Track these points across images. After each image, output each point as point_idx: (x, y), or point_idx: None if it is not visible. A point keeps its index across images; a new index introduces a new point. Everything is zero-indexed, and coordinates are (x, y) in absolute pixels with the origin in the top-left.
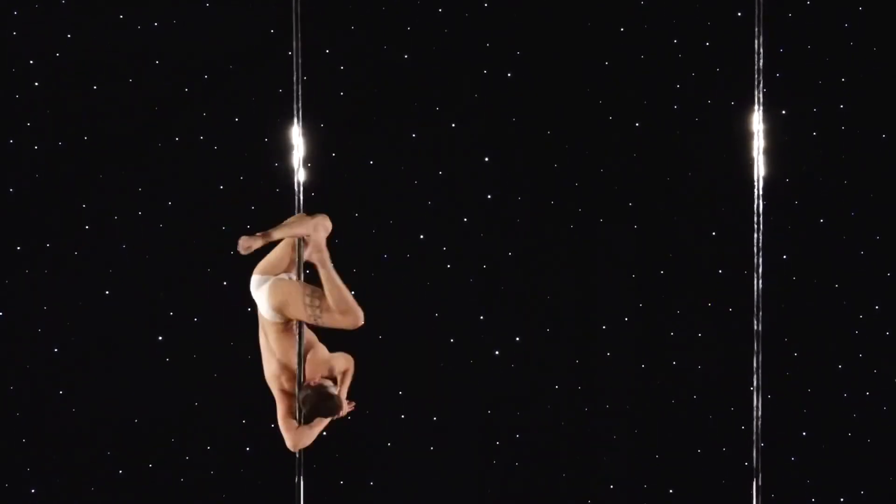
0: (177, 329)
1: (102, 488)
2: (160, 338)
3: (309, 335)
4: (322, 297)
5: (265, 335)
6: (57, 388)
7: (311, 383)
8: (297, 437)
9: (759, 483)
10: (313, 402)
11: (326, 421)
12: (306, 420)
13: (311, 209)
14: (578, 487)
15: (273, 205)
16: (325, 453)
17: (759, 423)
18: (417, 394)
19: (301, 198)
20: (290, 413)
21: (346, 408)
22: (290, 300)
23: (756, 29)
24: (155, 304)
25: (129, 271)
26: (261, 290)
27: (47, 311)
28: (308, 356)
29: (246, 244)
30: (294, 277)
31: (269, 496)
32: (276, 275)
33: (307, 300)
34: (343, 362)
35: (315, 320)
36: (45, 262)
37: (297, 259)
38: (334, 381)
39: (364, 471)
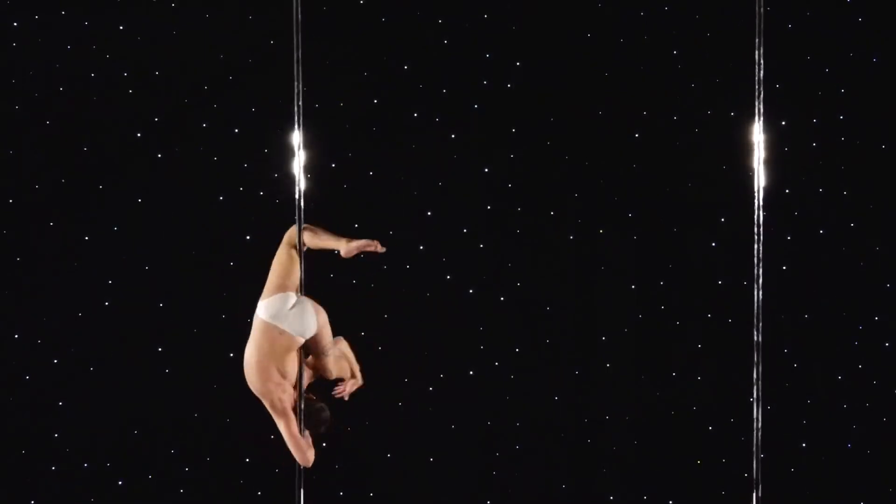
0: (177, 339)
1: (102, 498)
2: (160, 348)
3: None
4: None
5: (282, 358)
6: (56, 399)
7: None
8: (309, 452)
9: (759, 494)
10: (309, 418)
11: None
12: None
13: (311, 219)
14: (578, 498)
15: (273, 215)
16: (325, 464)
17: (759, 434)
18: (417, 404)
19: (302, 208)
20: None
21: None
22: (327, 323)
23: (756, 40)
24: (155, 315)
25: (129, 282)
26: (297, 308)
27: (47, 322)
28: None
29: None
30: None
31: None
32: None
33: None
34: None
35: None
36: (44, 272)
37: (300, 272)
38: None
39: (364, 481)
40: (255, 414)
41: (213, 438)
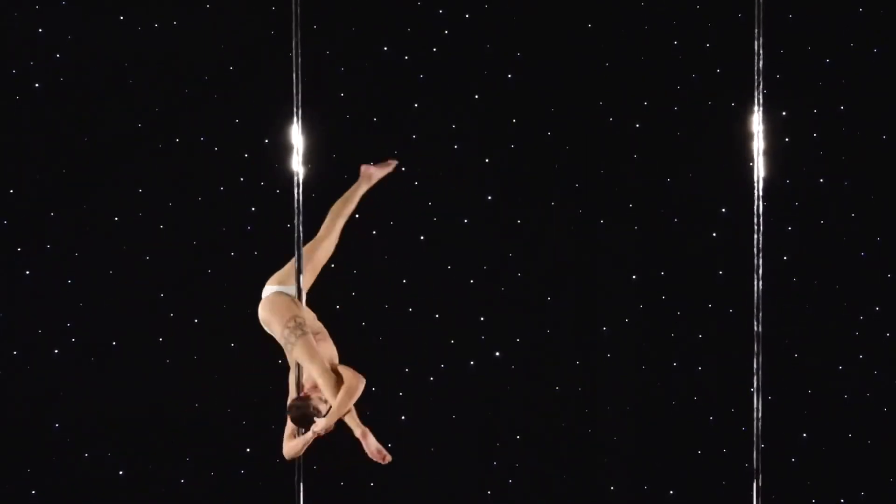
0: (177, 330)
1: (103, 489)
2: (160, 339)
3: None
4: (303, 330)
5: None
6: (57, 390)
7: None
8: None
9: (760, 484)
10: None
11: (306, 434)
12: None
13: (311, 210)
14: (579, 489)
15: (273, 206)
16: (326, 455)
17: (760, 424)
18: (418, 395)
19: (301, 199)
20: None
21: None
22: (275, 317)
23: (756, 30)
24: (155, 306)
25: (129, 272)
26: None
27: (48, 312)
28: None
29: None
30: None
31: (269, 498)
32: (285, 286)
33: (290, 324)
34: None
35: (287, 345)
36: (45, 263)
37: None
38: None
39: (364, 472)
40: (255, 404)
41: (213, 430)
